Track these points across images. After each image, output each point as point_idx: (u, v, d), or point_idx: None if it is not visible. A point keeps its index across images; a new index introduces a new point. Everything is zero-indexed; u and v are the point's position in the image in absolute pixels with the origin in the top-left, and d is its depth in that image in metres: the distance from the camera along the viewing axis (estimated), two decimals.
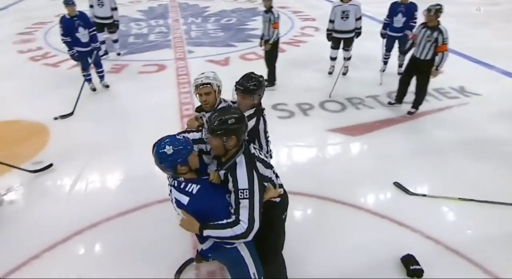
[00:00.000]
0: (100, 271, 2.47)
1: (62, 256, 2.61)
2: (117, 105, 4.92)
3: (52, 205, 3.11)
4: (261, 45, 5.30)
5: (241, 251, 1.79)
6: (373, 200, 3.17)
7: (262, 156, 1.89)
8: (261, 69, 5.81)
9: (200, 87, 2.10)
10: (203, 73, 2.16)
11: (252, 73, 2.24)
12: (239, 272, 1.84)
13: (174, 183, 1.76)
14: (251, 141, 2.06)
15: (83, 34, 4.71)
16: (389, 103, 4.76)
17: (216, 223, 1.65)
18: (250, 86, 2.13)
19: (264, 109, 2.28)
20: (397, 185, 3.25)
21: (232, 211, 1.66)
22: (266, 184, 1.81)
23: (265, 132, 2.25)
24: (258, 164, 1.77)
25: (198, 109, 2.31)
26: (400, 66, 5.62)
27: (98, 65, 5.09)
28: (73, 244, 2.70)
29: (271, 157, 2.28)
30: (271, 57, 5.16)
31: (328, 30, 5.33)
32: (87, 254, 2.68)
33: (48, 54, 6.63)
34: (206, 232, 1.65)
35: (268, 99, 4.75)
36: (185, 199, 1.70)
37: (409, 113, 4.51)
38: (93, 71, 5.09)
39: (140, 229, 2.81)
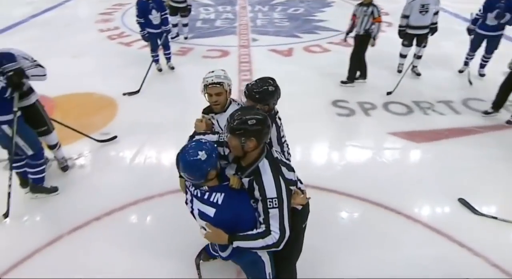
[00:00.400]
0: (149, 242, 2.61)
1: (118, 222, 2.82)
2: (180, 87, 5.12)
3: (113, 174, 3.36)
4: (345, 40, 5.02)
5: (258, 251, 1.73)
6: (432, 214, 2.91)
7: (285, 159, 1.82)
8: (324, 63, 5.68)
9: (210, 86, 1.96)
10: (212, 71, 2.01)
11: (268, 78, 2.03)
12: (255, 272, 1.81)
13: (197, 193, 1.64)
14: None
15: (155, 17, 4.94)
16: (485, 113, 4.18)
17: (246, 234, 1.58)
18: (258, 94, 1.94)
19: (277, 112, 2.14)
20: (463, 202, 2.95)
21: (261, 220, 1.59)
22: (292, 188, 1.73)
23: (279, 138, 2.10)
24: (283, 168, 1.69)
25: (206, 111, 2.15)
26: (481, 66, 5.04)
27: (166, 47, 5.32)
28: (128, 212, 2.89)
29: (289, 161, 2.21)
30: (362, 51, 4.77)
31: (401, 26, 4.92)
32: (139, 224, 2.85)
33: (123, 33, 7.10)
34: (236, 243, 1.59)
35: (328, 95, 4.67)
36: (210, 211, 1.60)
37: (508, 122, 4.04)
38: (161, 53, 5.34)
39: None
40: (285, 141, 2.19)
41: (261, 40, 6.80)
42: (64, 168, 3.32)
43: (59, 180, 3.19)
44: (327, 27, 7.46)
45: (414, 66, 5.17)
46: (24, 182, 3.03)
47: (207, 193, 1.62)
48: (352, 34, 4.82)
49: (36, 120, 2.95)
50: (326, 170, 3.42)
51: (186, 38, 6.80)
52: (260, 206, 1.59)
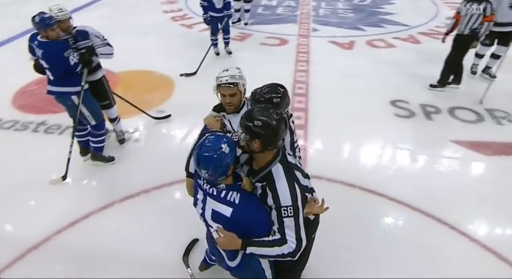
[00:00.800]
0: (193, 218, 2.70)
1: (166, 196, 2.95)
2: None
3: (164, 150, 3.49)
4: (443, 41, 4.52)
5: (262, 263, 1.64)
6: (493, 236, 2.63)
7: (299, 164, 1.71)
8: (386, 59, 5.34)
9: (224, 86, 1.81)
10: (227, 70, 1.86)
11: (277, 86, 1.89)
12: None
13: (212, 191, 1.50)
14: None
15: (218, 1, 4.98)
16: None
17: (261, 240, 1.48)
18: (263, 103, 1.77)
19: (291, 116, 2.00)
20: None
21: (275, 229, 1.48)
22: (307, 195, 1.61)
23: (292, 142, 1.95)
24: (297, 174, 1.57)
25: (217, 108, 2.01)
26: None
27: (226, 31, 5.37)
28: (176, 188, 3.01)
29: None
30: (462, 53, 4.27)
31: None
32: (185, 201, 2.95)
33: (186, 15, 7.29)
34: (250, 250, 1.48)
35: (388, 93, 4.39)
36: (227, 211, 1.46)
37: None
38: (220, 37, 5.40)
39: None
40: (298, 145, 2.04)
41: (321, 31, 6.57)
42: (121, 141, 3.54)
43: (115, 151, 3.41)
44: (394, 21, 6.99)
45: (488, 67, 4.65)
46: (83, 151, 3.28)
47: (224, 191, 1.48)
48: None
49: (100, 94, 3.16)
50: (376, 172, 3.24)
51: (246, 24, 6.80)
52: (274, 214, 1.47)
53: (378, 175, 3.19)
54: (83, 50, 2.83)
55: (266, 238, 1.48)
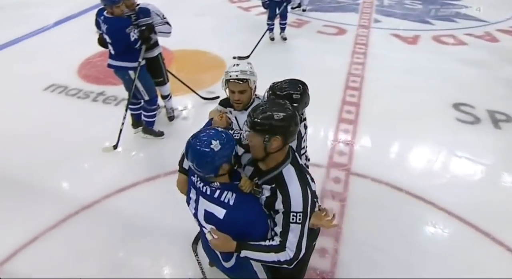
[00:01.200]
0: None
1: None
2: (288, 59, 5.06)
3: None
4: None
5: (254, 266, 1.54)
6: None
7: (307, 168, 1.60)
8: (454, 57, 4.89)
9: (233, 82, 1.69)
10: (237, 65, 1.73)
11: (297, 82, 1.76)
12: None
13: (206, 190, 1.40)
14: None
15: None
16: None
17: (258, 244, 1.38)
18: (282, 99, 1.63)
19: (304, 120, 1.86)
20: None
21: (277, 231, 1.37)
22: (316, 201, 1.48)
23: (299, 147, 1.78)
24: (308, 177, 1.45)
25: (223, 103, 1.89)
26: None
27: (283, 16, 5.25)
28: None
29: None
30: None
31: None
32: None
33: None
34: (244, 253, 1.39)
35: (451, 95, 4.04)
36: (220, 212, 1.37)
37: None
38: (276, 22, 5.30)
39: None
40: (305, 152, 1.91)
41: (384, 22, 6.18)
42: (171, 118, 3.66)
43: (164, 127, 3.53)
44: (469, 16, 6.37)
45: None
46: (135, 123, 3.44)
47: (218, 191, 1.38)
48: None
49: (155, 71, 3.27)
50: (427, 178, 3.02)
51: (304, 10, 6.60)
52: (279, 218, 1.36)
53: (429, 181, 2.97)
54: (143, 28, 2.93)
55: (263, 243, 1.38)
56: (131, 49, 2.91)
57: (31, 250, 2.40)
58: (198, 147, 1.31)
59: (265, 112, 1.30)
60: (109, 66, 3.06)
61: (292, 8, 6.20)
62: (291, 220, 1.32)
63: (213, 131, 1.36)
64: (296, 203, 1.32)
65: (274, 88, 1.70)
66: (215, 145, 1.29)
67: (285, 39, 5.45)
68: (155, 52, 3.22)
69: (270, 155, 1.35)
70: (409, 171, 3.10)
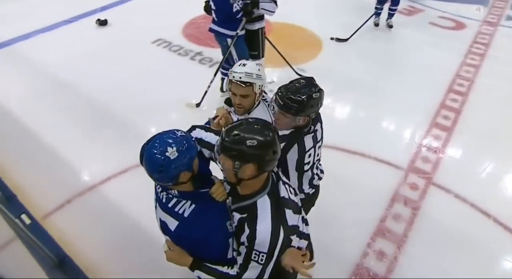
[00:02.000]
0: None
1: None
2: (389, 49, 4.67)
3: None
4: None
5: None
6: None
7: (293, 196, 1.35)
8: None
9: (236, 84, 1.53)
10: (244, 65, 1.55)
11: (310, 80, 1.53)
12: None
13: (162, 197, 1.28)
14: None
15: None
16: None
17: (214, 267, 1.25)
18: (293, 102, 1.42)
19: (315, 132, 1.58)
20: None
21: (238, 262, 1.24)
22: (292, 237, 1.30)
23: (301, 163, 1.56)
24: (289, 213, 1.27)
25: (229, 101, 1.70)
26: None
27: (395, 1, 4.78)
28: None
29: (317, 181, 1.78)
30: None
31: None
32: None
33: None
34: (197, 273, 1.26)
35: None
36: (173, 223, 1.23)
37: None
38: (386, 6, 4.87)
39: None
40: (311, 169, 1.67)
41: None
42: None
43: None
44: None
45: None
46: (223, 88, 3.60)
47: (174, 200, 1.25)
48: None
49: (252, 43, 3.34)
50: None
51: None
52: (243, 249, 1.22)
53: None
54: (248, 1, 2.97)
55: (220, 268, 1.25)
56: (232, 18, 3.02)
57: (122, 178, 2.76)
58: (152, 154, 1.14)
59: (238, 134, 1.12)
60: (210, 30, 3.22)
61: None
62: (252, 258, 1.19)
63: (172, 135, 1.19)
64: (262, 243, 1.17)
65: (287, 93, 1.45)
66: (171, 152, 1.13)
67: (391, 26, 5.02)
68: (256, 26, 3.25)
69: (244, 181, 1.19)
70: (504, 198, 2.72)
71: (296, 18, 5.12)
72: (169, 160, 1.13)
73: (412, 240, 2.38)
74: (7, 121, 3.36)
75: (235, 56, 3.24)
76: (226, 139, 1.14)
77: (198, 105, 3.46)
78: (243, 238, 1.20)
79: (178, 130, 1.22)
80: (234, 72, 1.54)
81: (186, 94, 3.60)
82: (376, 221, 2.49)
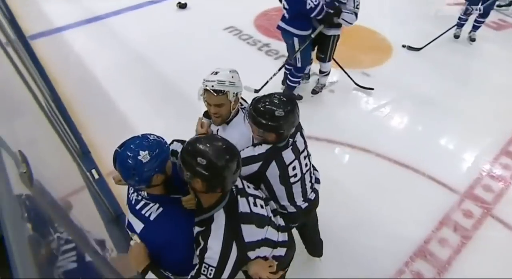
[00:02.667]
0: None
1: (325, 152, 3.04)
2: (467, 64, 4.33)
3: (353, 117, 3.48)
4: None
5: None
6: None
7: (258, 209, 1.34)
8: None
9: (208, 93, 1.47)
10: (216, 73, 1.49)
11: (281, 96, 1.47)
12: None
13: (132, 198, 1.30)
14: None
15: None
16: None
17: (167, 276, 1.23)
18: (258, 116, 1.41)
19: (293, 143, 1.53)
20: None
21: (192, 273, 1.22)
22: (253, 252, 1.30)
23: (285, 178, 1.53)
24: (247, 228, 1.26)
25: (207, 114, 1.65)
26: None
27: (485, 13, 4.37)
28: (342, 152, 3.07)
29: (311, 194, 1.70)
30: None
31: None
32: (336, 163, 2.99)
33: None
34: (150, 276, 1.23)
35: None
36: (138, 225, 1.25)
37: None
38: (472, 17, 4.51)
39: None
40: (300, 181, 1.61)
41: None
42: (314, 92, 3.71)
43: (306, 96, 3.63)
44: None
45: None
46: (285, 81, 3.65)
47: (142, 203, 1.27)
48: None
49: (322, 46, 3.32)
50: None
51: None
52: (196, 260, 1.22)
53: None
54: (331, 11, 2.94)
55: (172, 277, 1.24)
56: (303, 17, 2.97)
57: None
58: (124, 159, 1.18)
59: (194, 147, 1.16)
60: (278, 27, 3.21)
61: (499, 6, 5.15)
62: (202, 272, 1.19)
63: (144, 140, 1.22)
64: (211, 257, 1.18)
65: (256, 104, 1.45)
66: (144, 156, 1.16)
67: (473, 40, 4.63)
68: (330, 32, 3.19)
69: (200, 194, 1.22)
70: None
71: (369, 20, 4.93)
72: (141, 164, 1.16)
73: (455, 270, 2.27)
74: (91, 85, 3.78)
75: (298, 56, 3.22)
76: (185, 147, 1.18)
77: (257, 91, 3.48)
78: (198, 251, 1.22)
79: (150, 135, 1.25)
80: (206, 81, 1.49)
81: (249, 82, 3.69)
82: (420, 241, 2.41)
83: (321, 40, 3.25)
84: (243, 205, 1.30)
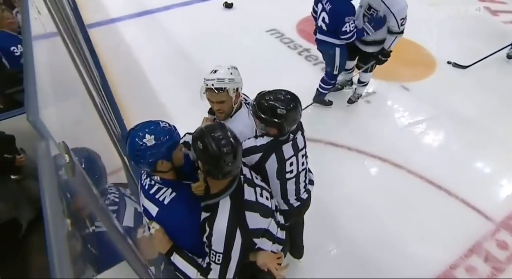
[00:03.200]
0: None
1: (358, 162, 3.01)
2: (511, 91, 4.10)
3: (385, 129, 3.42)
4: None
5: None
6: None
7: (264, 199, 1.38)
8: None
9: (209, 91, 1.53)
10: (215, 72, 1.53)
11: (286, 93, 1.51)
12: None
13: (145, 184, 1.34)
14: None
15: None
16: None
17: (191, 256, 1.31)
18: (260, 111, 1.47)
19: (293, 139, 1.57)
20: None
21: (205, 260, 1.30)
22: (258, 240, 1.37)
23: (282, 172, 1.56)
24: (251, 215, 1.31)
25: (211, 111, 1.72)
26: None
27: None
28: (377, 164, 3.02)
29: (304, 194, 1.73)
30: None
31: None
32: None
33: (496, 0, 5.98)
34: (175, 258, 1.29)
35: None
36: (154, 210, 1.29)
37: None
38: None
39: None
40: (295, 178, 1.64)
41: None
42: (350, 101, 3.66)
43: (341, 105, 3.61)
44: None
45: None
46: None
47: (156, 187, 1.31)
48: None
49: (363, 58, 3.31)
50: None
51: None
52: (207, 249, 1.28)
53: None
54: (383, 59, 3.11)
55: (195, 258, 1.32)
56: (339, 33, 2.95)
57: None
58: (133, 139, 1.23)
59: (199, 132, 1.24)
60: (316, 40, 3.22)
61: None
62: (211, 258, 1.26)
63: (155, 125, 1.27)
64: (217, 243, 1.23)
65: (259, 99, 1.50)
66: (149, 139, 1.21)
67: None
68: (369, 49, 3.18)
69: (209, 179, 1.28)
70: None
71: (415, 34, 4.80)
72: (145, 147, 1.20)
73: None
74: (136, 74, 4.00)
75: (335, 64, 3.22)
76: (196, 130, 1.27)
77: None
78: (204, 238, 1.27)
79: (162, 121, 1.30)
80: (206, 80, 1.55)
81: (287, 86, 3.71)
82: (445, 266, 2.32)
83: (361, 54, 3.26)
84: (249, 194, 1.34)
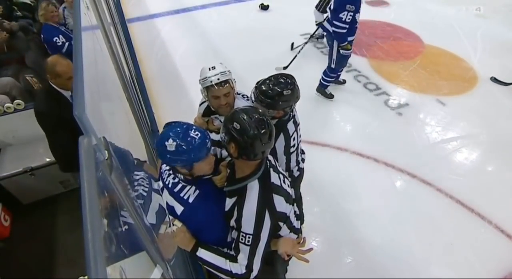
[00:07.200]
0: None
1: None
2: None
3: (419, 144, 3.31)
4: None
5: None
6: None
7: (286, 186, 1.41)
8: None
9: (217, 87, 1.54)
10: (213, 68, 1.56)
11: (284, 77, 1.59)
12: None
13: (169, 182, 1.34)
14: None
15: None
16: None
17: (216, 247, 1.32)
18: (270, 98, 1.55)
19: (292, 117, 1.69)
20: None
21: (233, 245, 1.31)
22: (281, 224, 1.38)
23: (287, 148, 1.69)
24: (278, 199, 1.32)
25: (207, 112, 1.74)
26: None
27: None
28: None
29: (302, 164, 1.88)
30: None
31: None
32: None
33: None
34: (200, 252, 1.29)
35: None
36: (179, 208, 1.31)
37: None
38: None
39: None
40: (296, 151, 1.77)
41: None
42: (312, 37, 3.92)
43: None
44: None
45: None
46: None
47: (180, 185, 1.32)
48: None
49: None
50: None
51: None
52: (235, 233, 1.30)
53: None
54: None
55: (221, 248, 1.33)
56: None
57: None
58: (161, 136, 1.24)
59: (234, 115, 1.25)
60: (323, 28, 3.43)
61: None
62: (240, 240, 1.27)
63: (185, 132, 1.22)
64: (247, 224, 1.25)
65: (261, 88, 1.56)
66: (170, 144, 1.19)
67: None
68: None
69: (236, 161, 1.31)
70: None
71: (458, 46, 4.64)
72: (165, 150, 1.20)
73: None
74: (169, 69, 4.09)
75: (334, 57, 3.36)
76: (229, 113, 1.28)
77: (285, 67, 3.88)
78: (232, 222, 1.29)
79: (197, 130, 1.25)
80: (209, 77, 1.55)
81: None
82: None
83: None
84: (275, 178, 1.37)
